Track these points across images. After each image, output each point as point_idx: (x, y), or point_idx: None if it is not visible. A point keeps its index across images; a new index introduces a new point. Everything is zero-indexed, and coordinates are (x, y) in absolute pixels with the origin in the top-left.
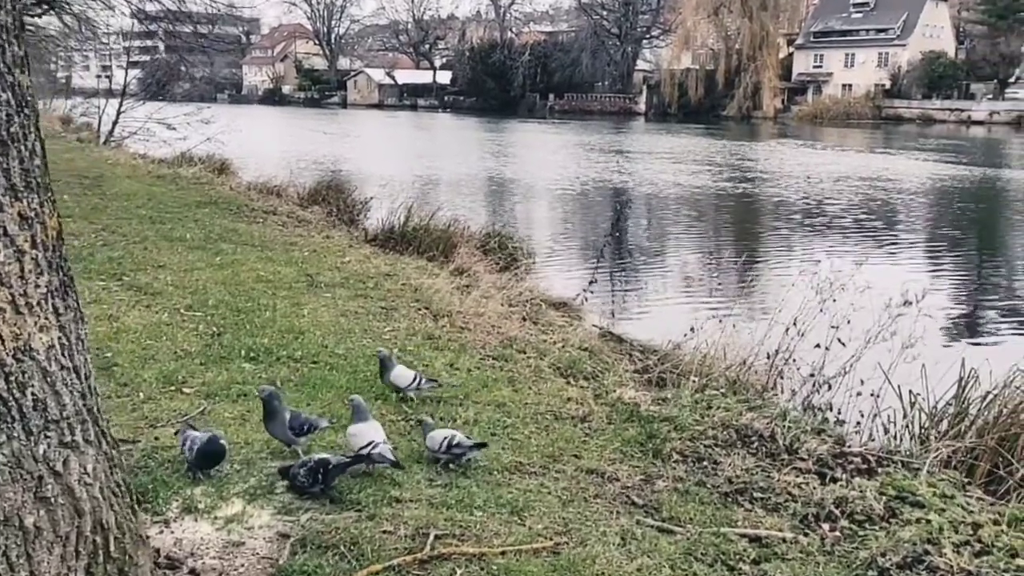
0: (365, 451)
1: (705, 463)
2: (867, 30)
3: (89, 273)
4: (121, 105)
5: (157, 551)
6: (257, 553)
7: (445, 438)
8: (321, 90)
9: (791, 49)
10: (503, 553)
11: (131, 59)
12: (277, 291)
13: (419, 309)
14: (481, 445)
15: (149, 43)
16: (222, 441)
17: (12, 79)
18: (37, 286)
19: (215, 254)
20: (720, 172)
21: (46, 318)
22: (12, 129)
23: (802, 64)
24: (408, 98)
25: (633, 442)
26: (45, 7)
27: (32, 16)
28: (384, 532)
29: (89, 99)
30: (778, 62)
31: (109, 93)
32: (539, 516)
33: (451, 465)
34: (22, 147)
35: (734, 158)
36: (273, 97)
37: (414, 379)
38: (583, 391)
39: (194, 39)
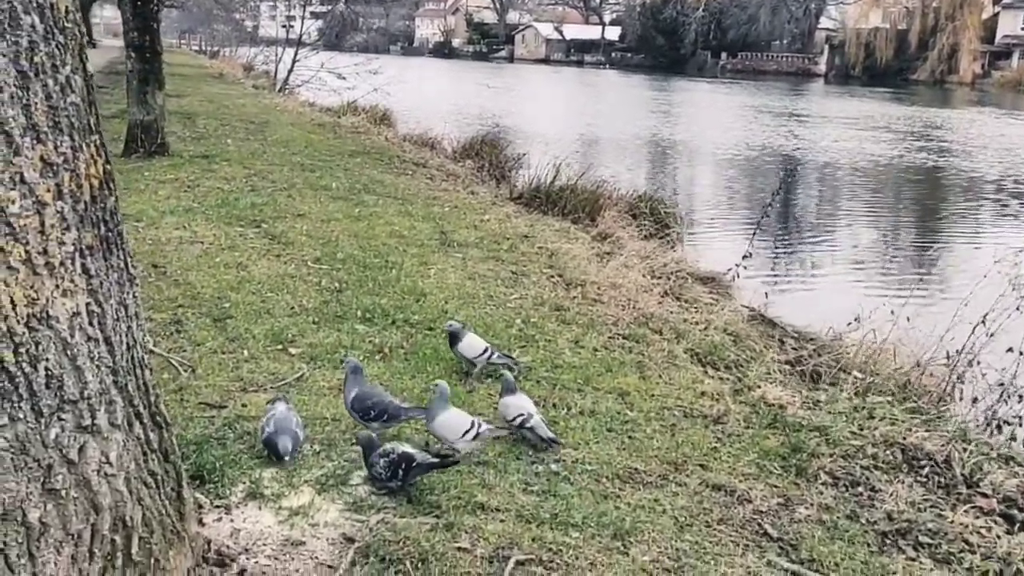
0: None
1: (860, 490)
2: None
3: (230, 219)
4: (296, 54)
5: (208, 543)
6: (316, 557)
7: (520, 415)
8: (489, 44)
9: (997, 8)
10: None
11: (312, 10)
12: (408, 248)
13: (551, 276)
14: (553, 442)
15: None
16: (280, 443)
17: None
18: (61, 243)
19: (355, 205)
20: (906, 141)
21: (71, 281)
22: (36, 59)
23: (1009, 25)
24: (574, 54)
25: (773, 454)
26: None
27: None
28: (459, 549)
29: (270, 47)
30: (980, 22)
31: (287, 42)
32: (648, 543)
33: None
34: (49, 80)
35: (923, 126)
36: (443, 50)
37: (484, 351)
38: (720, 384)
39: None
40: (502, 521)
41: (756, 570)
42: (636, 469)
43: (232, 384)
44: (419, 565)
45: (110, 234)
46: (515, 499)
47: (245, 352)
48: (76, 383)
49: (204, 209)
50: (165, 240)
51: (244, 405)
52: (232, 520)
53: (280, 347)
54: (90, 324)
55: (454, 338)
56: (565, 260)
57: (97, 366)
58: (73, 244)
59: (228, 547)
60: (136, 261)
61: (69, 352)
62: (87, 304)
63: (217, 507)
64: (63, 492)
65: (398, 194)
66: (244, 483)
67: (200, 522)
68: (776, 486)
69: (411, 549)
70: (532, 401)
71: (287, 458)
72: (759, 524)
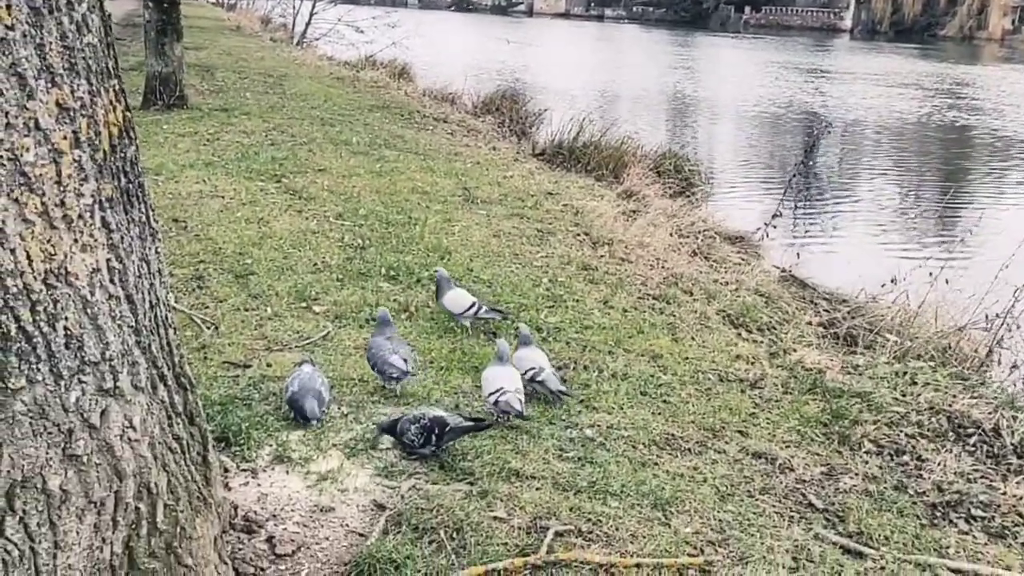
0: (493, 399)
1: (906, 459)
2: None
3: (250, 173)
4: (314, 7)
5: (235, 509)
6: (346, 524)
7: (532, 368)
8: None
9: None
10: (637, 567)
11: None
12: (431, 204)
13: (578, 235)
14: (564, 394)
15: None
16: (306, 405)
17: None
18: (80, 195)
19: (376, 160)
20: (936, 99)
21: (91, 235)
22: None
23: None
24: (595, 8)
25: (814, 421)
26: None
27: None
28: (495, 519)
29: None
30: None
31: None
32: (689, 514)
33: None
34: (64, 18)
35: (952, 84)
36: (461, 4)
37: (471, 306)
38: (756, 347)
39: None
40: (538, 489)
41: (803, 543)
42: (673, 435)
43: (256, 343)
44: (454, 535)
45: (131, 186)
46: (550, 466)
47: (268, 310)
48: (97, 343)
49: (224, 163)
50: (185, 194)
51: (269, 365)
52: (259, 484)
53: (304, 305)
54: (111, 281)
55: (439, 289)
56: (591, 218)
57: (119, 325)
58: (92, 196)
59: (255, 513)
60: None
61: (89, 311)
62: (107, 260)
63: (243, 471)
64: (85, 458)
65: (419, 149)
66: (271, 446)
67: (226, 486)
68: (818, 454)
69: (445, 518)
70: (546, 356)
71: (313, 421)
72: (802, 494)
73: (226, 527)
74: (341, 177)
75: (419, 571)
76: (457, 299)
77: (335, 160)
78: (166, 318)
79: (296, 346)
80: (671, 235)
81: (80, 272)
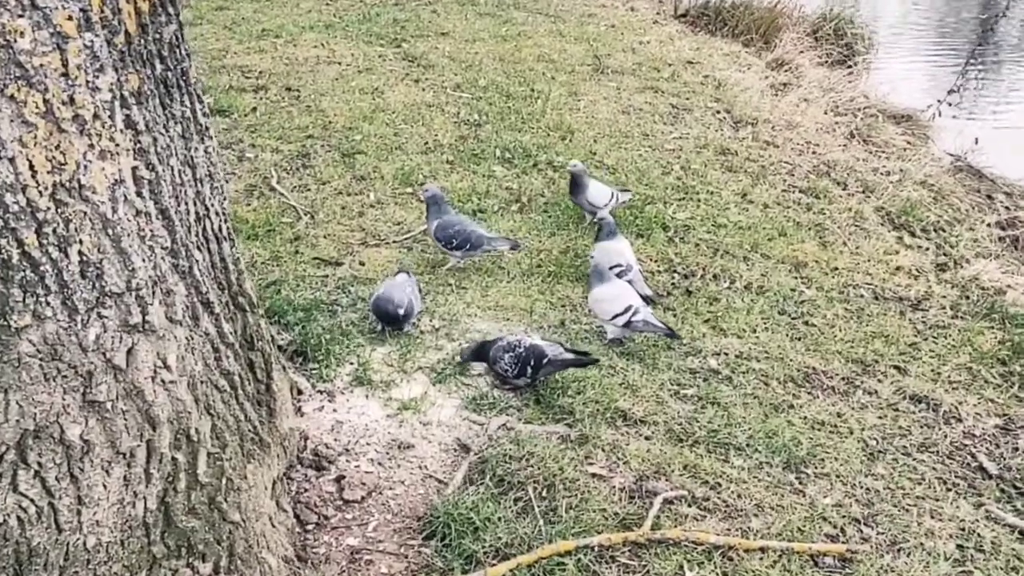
0: (622, 320)
1: None
2: None
3: (370, 37)
4: None
5: (305, 440)
6: (425, 467)
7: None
8: None
9: None
10: (762, 551)
11: None
12: (556, 75)
13: (717, 112)
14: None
15: None
16: (399, 308)
17: None
18: (94, 89)
19: (503, 23)
20: None
21: (111, 138)
22: None
23: None
24: None
25: (990, 358)
26: None
27: None
28: (593, 476)
29: None
30: None
31: None
32: (829, 479)
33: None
34: None
35: None
36: None
37: (611, 197)
38: (920, 256)
39: None
40: (647, 438)
41: (971, 525)
42: (814, 369)
43: (352, 235)
44: (544, 493)
45: (169, 74)
46: (664, 407)
47: (371, 195)
48: (120, 271)
49: (344, 25)
50: (302, 60)
51: (362, 263)
52: (335, 410)
53: (409, 190)
54: (138, 194)
55: (578, 185)
56: (734, 92)
57: (149, 247)
58: (111, 90)
59: (327, 446)
60: (270, 83)
61: (110, 231)
62: (134, 168)
63: (320, 392)
64: (108, 405)
65: (549, 10)
66: (351, 364)
67: (299, 411)
68: (993, 401)
69: (535, 471)
70: (632, 250)
71: (403, 326)
72: (971, 454)
73: (293, 462)
74: (464, 42)
75: (499, 539)
76: (600, 192)
77: (459, 22)
78: (219, 231)
79: (394, 240)
80: (825, 113)
81: (98, 184)
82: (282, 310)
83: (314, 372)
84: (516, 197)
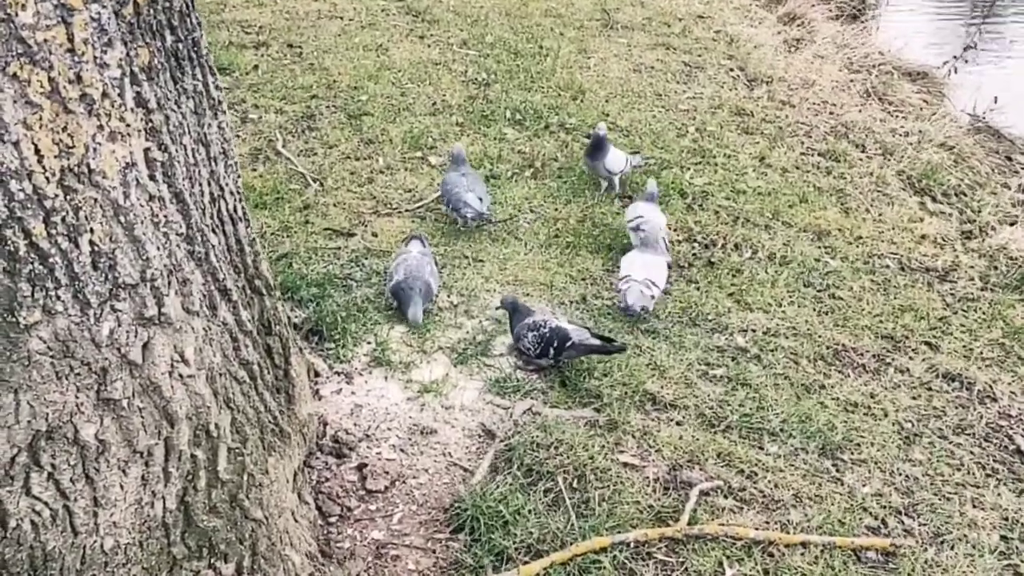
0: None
1: None
2: None
3: None
4: None
5: (324, 425)
6: (449, 454)
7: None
8: None
9: None
10: (803, 547)
11: None
12: (565, 30)
13: (731, 70)
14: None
15: None
16: (409, 311)
17: None
18: (103, 66)
19: None
20: None
21: (121, 118)
22: None
23: None
24: None
25: (1023, 333)
26: None
27: None
28: (625, 466)
29: None
30: None
31: None
32: (867, 465)
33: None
34: None
35: None
36: None
37: (626, 161)
38: (945, 223)
39: None
40: (679, 423)
41: (1014, 514)
42: (844, 346)
43: (363, 203)
44: (574, 484)
45: (180, 45)
46: (694, 390)
47: (380, 160)
48: (134, 260)
49: None
50: (303, 14)
51: (375, 234)
52: (354, 392)
53: (419, 155)
54: (151, 177)
55: (600, 149)
56: (747, 49)
57: (164, 234)
58: (120, 66)
59: (347, 432)
60: (270, 39)
61: (123, 218)
62: (146, 150)
63: (337, 374)
64: (124, 402)
65: None
66: (369, 343)
67: (316, 394)
68: None
69: (564, 460)
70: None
71: (418, 320)
72: (1008, 435)
73: (313, 449)
74: None
75: (531, 533)
76: (617, 159)
77: None
78: (234, 211)
79: (407, 209)
80: (840, 70)
81: (108, 169)
82: (295, 285)
83: (331, 352)
84: (529, 162)
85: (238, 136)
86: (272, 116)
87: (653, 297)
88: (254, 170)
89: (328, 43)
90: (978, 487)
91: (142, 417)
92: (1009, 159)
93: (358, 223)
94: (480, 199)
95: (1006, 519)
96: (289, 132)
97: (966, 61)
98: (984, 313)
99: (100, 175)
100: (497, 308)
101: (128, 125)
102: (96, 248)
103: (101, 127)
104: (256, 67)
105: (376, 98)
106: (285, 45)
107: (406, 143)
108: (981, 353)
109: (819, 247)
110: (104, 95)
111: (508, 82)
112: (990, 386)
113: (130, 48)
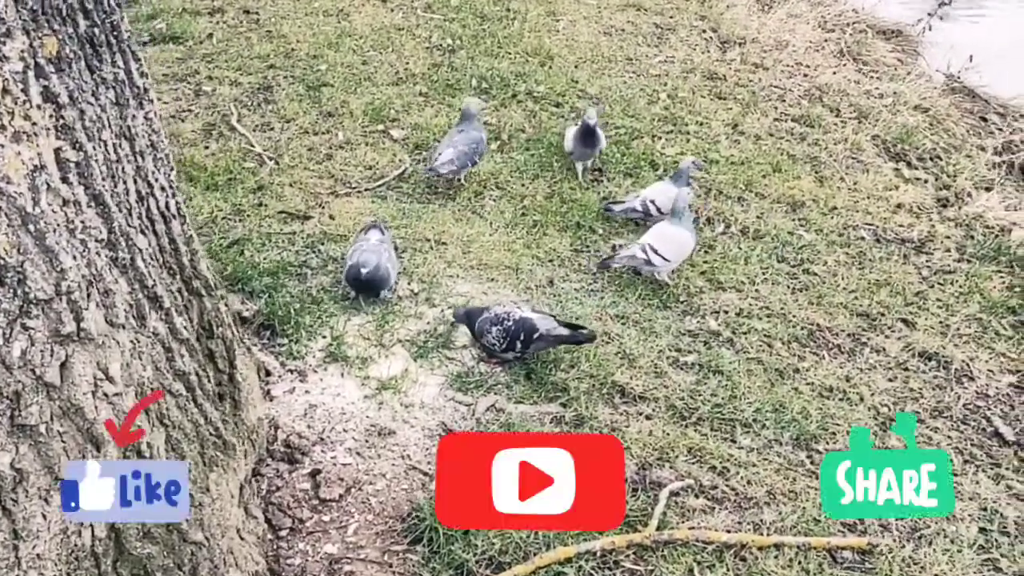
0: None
1: None
2: None
3: None
4: None
5: (276, 429)
6: (407, 457)
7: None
8: None
9: None
10: (777, 548)
11: None
12: None
13: (703, 31)
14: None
15: None
16: (365, 270)
17: None
18: (2, 59)
19: None
20: None
21: (26, 117)
22: None
23: None
24: None
25: (1000, 307)
26: None
27: None
28: None
29: None
30: None
31: None
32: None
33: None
34: None
35: None
36: None
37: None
38: (920, 190)
39: None
40: (648, 417)
41: (993, 505)
42: (818, 326)
43: (320, 182)
44: None
45: (96, 30)
46: (665, 379)
47: (340, 135)
48: (47, 273)
49: None
50: None
51: (332, 217)
52: (308, 391)
53: (381, 128)
54: (64, 180)
55: (591, 136)
56: (719, 9)
57: (81, 241)
58: (21, 57)
59: (300, 435)
60: (226, 4)
61: (32, 227)
62: (57, 149)
63: (290, 372)
64: (41, 427)
65: None
66: (324, 337)
67: (267, 395)
68: (1006, 355)
69: None
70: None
71: (379, 294)
72: (985, 417)
73: (263, 455)
74: None
75: (492, 544)
76: (600, 136)
77: None
78: (167, 208)
79: (366, 189)
80: (814, 29)
81: (13, 173)
82: (246, 275)
83: (283, 348)
84: (496, 134)
85: (190, 111)
86: (227, 88)
87: (648, 263)
88: (207, 147)
89: (287, 8)
90: (956, 476)
91: (63, 442)
92: (984, 119)
93: (315, 204)
94: (452, 159)
95: (984, 509)
96: (244, 105)
97: (941, 18)
98: (961, 286)
99: (4, 180)
100: (452, 323)
101: (35, 124)
102: (2, 262)
103: (3, 127)
104: (211, 35)
105: (336, 67)
106: (241, 11)
107: (367, 115)
108: (958, 329)
109: (793, 219)
110: (4, 91)
111: (474, 48)
112: (967, 364)
113: (33, 38)
